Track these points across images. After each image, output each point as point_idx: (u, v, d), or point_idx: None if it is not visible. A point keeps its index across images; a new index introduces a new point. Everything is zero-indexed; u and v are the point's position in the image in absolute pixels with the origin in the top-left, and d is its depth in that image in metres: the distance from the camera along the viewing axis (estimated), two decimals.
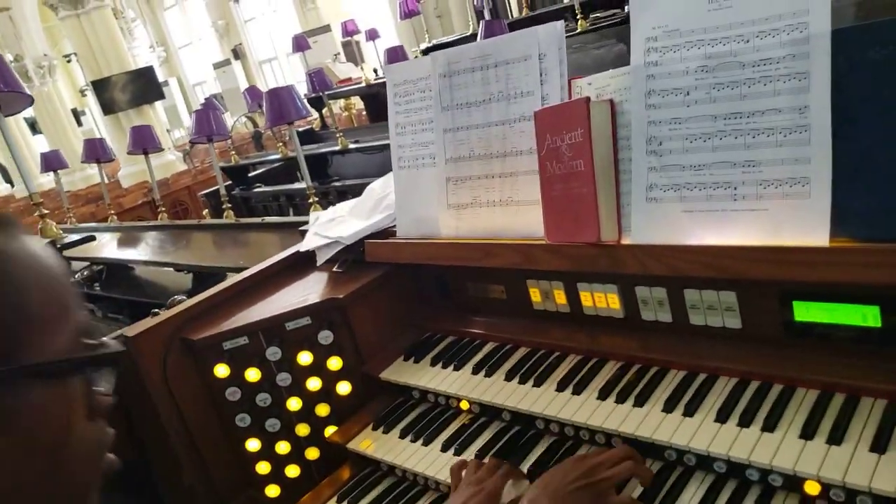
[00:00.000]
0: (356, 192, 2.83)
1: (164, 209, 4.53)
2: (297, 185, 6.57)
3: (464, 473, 1.37)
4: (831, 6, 1.04)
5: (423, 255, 1.71)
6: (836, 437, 1.10)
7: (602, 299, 1.52)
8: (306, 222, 2.61)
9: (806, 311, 1.22)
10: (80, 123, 20.18)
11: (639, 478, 1.22)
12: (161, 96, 13.75)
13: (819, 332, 1.22)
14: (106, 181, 5.41)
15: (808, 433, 1.12)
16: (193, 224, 4.55)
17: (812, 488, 1.10)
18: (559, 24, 1.47)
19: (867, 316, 1.14)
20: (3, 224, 0.64)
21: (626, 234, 1.31)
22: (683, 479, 1.24)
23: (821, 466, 1.07)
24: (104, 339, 0.70)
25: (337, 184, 5.92)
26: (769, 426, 1.17)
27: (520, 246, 1.49)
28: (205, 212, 6.58)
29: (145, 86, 12.99)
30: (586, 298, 1.55)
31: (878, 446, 1.05)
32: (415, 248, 1.72)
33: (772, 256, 1.09)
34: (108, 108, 12.58)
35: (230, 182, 6.82)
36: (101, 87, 12.50)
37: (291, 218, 4.15)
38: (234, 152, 7.11)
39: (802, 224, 1.06)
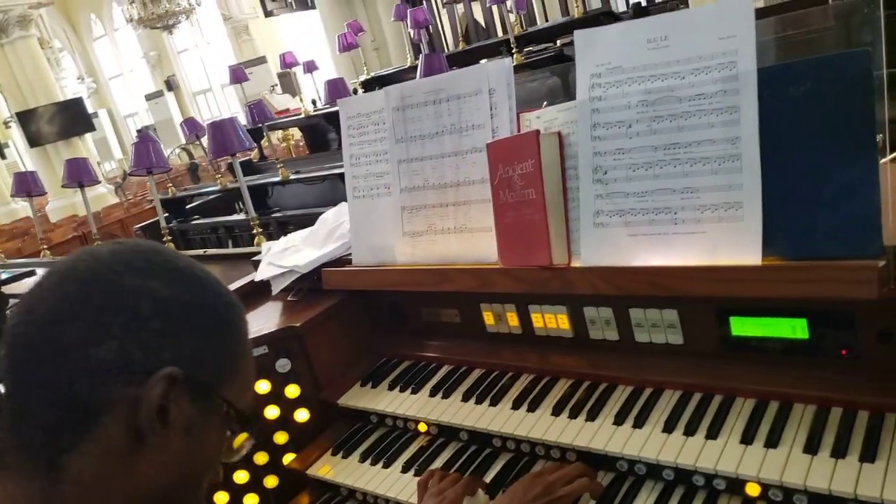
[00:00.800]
0: (297, 222, 2.86)
1: (100, 242, 4.40)
2: (235, 217, 6.49)
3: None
4: (755, 45, 1.15)
5: (381, 282, 1.76)
6: (773, 441, 1.19)
7: (552, 320, 1.60)
8: (251, 254, 2.61)
9: (741, 326, 1.32)
10: (3, 156, 19.35)
11: (592, 492, 1.29)
12: (91, 128, 13.36)
13: (753, 345, 1.32)
14: (32, 216, 5.23)
15: (747, 438, 1.22)
16: None
17: (753, 490, 1.18)
18: (507, 62, 1.56)
19: (796, 328, 1.25)
20: (242, 309, 0.88)
21: (575, 257, 1.40)
22: (635, 488, 1.31)
23: (760, 468, 1.16)
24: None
25: (277, 214, 5.88)
26: (712, 434, 1.26)
27: (475, 270, 1.55)
28: None
29: (74, 117, 12.60)
30: (537, 320, 1.62)
31: (811, 448, 1.15)
32: (373, 275, 1.77)
33: (710, 275, 1.19)
34: (34, 140, 12.13)
35: (167, 214, 6.68)
36: (26, 119, 12.06)
37: (234, 250, 4.12)
38: (170, 185, 6.98)
39: (737, 245, 1.16)
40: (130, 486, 0.76)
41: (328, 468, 1.69)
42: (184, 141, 10.15)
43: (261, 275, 2.02)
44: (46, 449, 0.73)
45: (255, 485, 1.79)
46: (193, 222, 6.65)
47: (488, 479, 1.46)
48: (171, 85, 20.42)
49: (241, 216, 6.38)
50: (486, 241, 1.56)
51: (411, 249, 1.72)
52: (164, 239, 4.03)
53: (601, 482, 1.32)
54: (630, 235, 1.29)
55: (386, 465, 1.62)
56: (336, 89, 6.37)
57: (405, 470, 1.58)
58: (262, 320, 1.90)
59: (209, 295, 0.83)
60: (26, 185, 4.72)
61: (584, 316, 1.53)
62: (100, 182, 5.36)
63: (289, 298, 1.99)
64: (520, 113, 1.52)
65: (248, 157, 7.91)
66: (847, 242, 1.05)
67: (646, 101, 1.26)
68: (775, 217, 1.13)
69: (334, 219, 2.07)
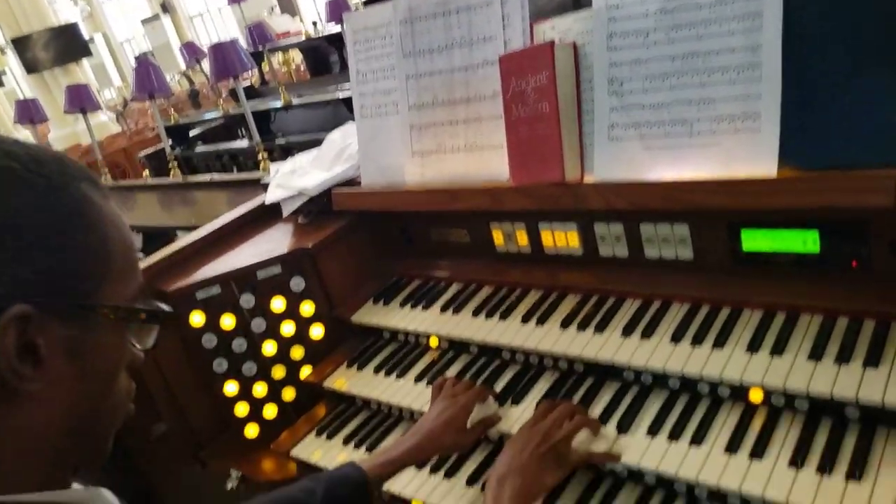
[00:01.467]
0: (300, 148, 2.83)
1: (106, 170, 4.40)
2: (239, 144, 6.44)
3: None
4: None
5: (390, 203, 1.76)
6: (778, 350, 1.22)
7: (562, 238, 1.61)
8: (257, 179, 2.61)
9: (752, 240, 1.33)
10: (1, 84, 19.05)
11: (589, 428, 1.30)
12: (87, 53, 13.05)
13: (764, 258, 1.33)
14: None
15: (753, 347, 1.25)
16: (138, 184, 4.45)
17: (756, 396, 1.22)
18: None
19: (808, 241, 1.26)
20: (99, 185, 0.74)
21: (588, 172, 1.40)
22: (641, 397, 1.36)
23: (764, 375, 1.19)
24: (155, 301, 0.81)
25: (281, 140, 5.83)
26: (719, 343, 1.29)
27: (486, 189, 1.55)
28: (145, 173, 6.39)
29: (69, 43, 12.29)
30: (547, 238, 1.64)
31: (815, 355, 1.18)
32: (383, 196, 1.77)
33: (725, 188, 1.19)
34: (31, 67, 11.89)
35: (171, 142, 6.63)
36: (21, 46, 11.78)
37: (240, 175, 4.10)
38: (172, 111, 6.90)
39: (752, 156, 1.16)
40: (27, 437, 0.67)
41: (343, 381, 1.74)
42: (183, 67, 9.96)
43: (270, 198, 2.02)
44: None
45: (273, 397, 1.85)
46: (197, 150, 6.61)
47: (497, 389, 1.51)
48: (166, 7, 19.83)
49: (245, 142, 6.33)
50: (498, 158, 1.55)
51: (421, 169, 1.72)
52: (170, 166, 4.02)
53: (599, 422, 1.32)
54: (645, 149, 1.29)
55: (399, 377, 1.67)
56: (338, 8, 6.20)
57: (417, 381, 1.63)
58: (275, 241, 1.92)
59: (27, 193, 0.66)
60: (29, 113, 4.68)
61: (595, 233, 1.54)
62: (101, 108, 5.29)
63: (299, 220, 2.00)
64: (533, 23, 1.49)
65: (248, 83, 7.78)
66: (866, 151, 1.05)
67: (664, 9, 1.23)
68: (792, 127, 1.12)
69: (342, 139, 2.06)
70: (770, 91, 1.12)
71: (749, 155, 1.16)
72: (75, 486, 0.76)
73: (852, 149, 1.07)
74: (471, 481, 1.41)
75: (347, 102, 4.98)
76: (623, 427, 1.29)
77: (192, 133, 6.96)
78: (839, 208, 1.11)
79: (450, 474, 1.44)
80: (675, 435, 1.23)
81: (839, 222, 1.20)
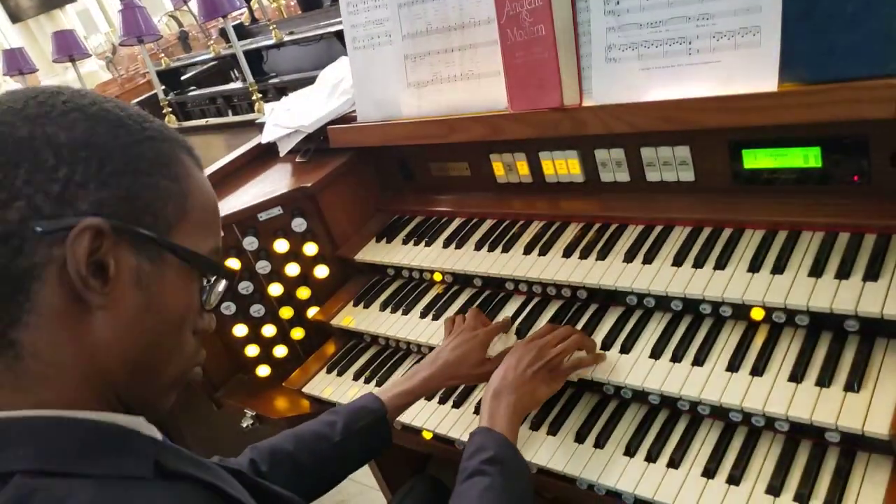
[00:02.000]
0: (295, 87, 2.79)
1: None
2: (232, 86, 6.34)
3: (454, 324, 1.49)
4: None
5: (388, 137, 1.74)
6: (779, 268, 1.23)
7: (563, 166, 1.60)
8: (253, 121, 2.57)
9: (754, 159, 1.32)
10: None
11: (584, 347, 1.33)
12: None
13: (765, 177, 1.33)
14: None
15: (755, 267, 1.25)
16: None
17: (757, 314, 1.24)
18: None
19: (809, 157, 1.25)
20: (194, 155, 0.80)
21: (587, 96, 1.37)
22: (644, 320, 1.38)
23: (765, 293, 1.20)
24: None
25: (275, 80, 5.74)
26: (720, 264, 1.29)
27: (484, 118, 1.53)
28: None
29: None
30: (548, 167, 1.63)
31: (816, 271, 1.19)
32: (379, 130, 1.75)
33: (725, 105, 1.17)
34: (15, 16, 11.65)
35: (163, 87, 6.53)
36: None
37: (236, 118, 4.04)
38: (162, 55, 6.76)
39: (752, 72, 1.14)
40: (90, 353, 0.71)
41: (350, 318, 1.77)
42: (171, 7, 9.69)
43: (266, 137, 2.00)
44: None
45: (283, 337, 1.88)
46: (191, 94, 6.52)
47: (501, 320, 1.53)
48: None
49: (239, 84, 6.23)
50: (495, 86, 1.53)
51: (417, 101, 1.69)
52: (164, 111, 3.96)
53: (594, 341, 1.36)
54: (643, 69, 1.26)
55: (405, 313, 1.69)
56: None
57: (423, 315, 1.66)
58: (274, 182, 1.91)
59: (124, 133, 0.72)
60: (17, 63, 4.58)
61: (595, 159, 1.53)
62: (90, 55, 5.18)
63: (297, 160, 1.99)
64: None
65: (238, 21, 7.59)
66: (867, 61, 1.03)
67: None
68: (793, 40, 1.09)
69: (335, 74, 2.03)
70: (770, 3, 1.09)
71: (749, 71, 1.14)
72: None
73: (853, 61, 1.04)
74: (478, 411, 1.44)
75: (341, 36, 4.86)
76: (626, 349, 1.32)
77: (185, 77, 6.85)
78: (841, 122, 1.09)
79: (458, 405, 1.48)
80: (677, 356, 1.26)
81: (841, 137, 1.19)
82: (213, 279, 0.80)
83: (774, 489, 1.07)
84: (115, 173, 0.70)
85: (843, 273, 1.16)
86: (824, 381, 1.10)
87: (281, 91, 5.11)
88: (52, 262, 0.67)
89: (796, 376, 1.12)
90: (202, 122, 4.00)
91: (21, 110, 0.69)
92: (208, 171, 2.02)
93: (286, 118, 1.98)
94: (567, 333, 1.33)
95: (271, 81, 5.70)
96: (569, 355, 1.31)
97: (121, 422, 0.73)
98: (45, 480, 0.64)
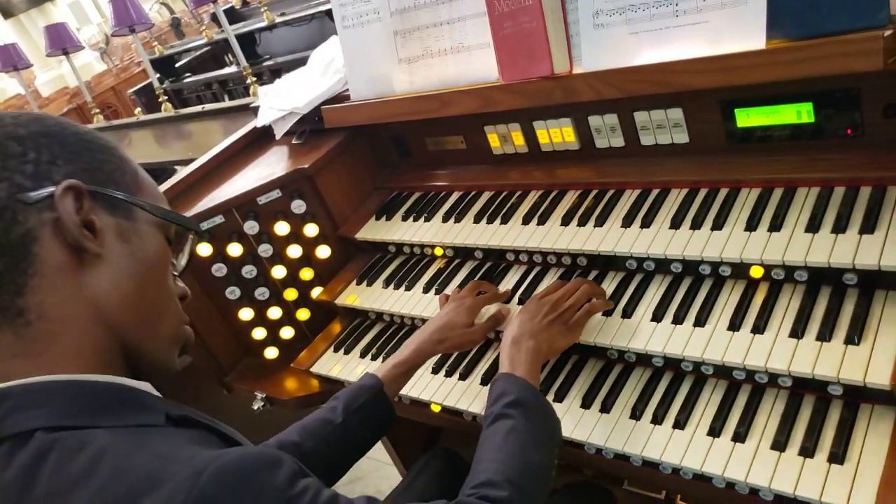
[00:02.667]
0: (289, 68, 2.78)
1: (98, 111, 4.34)
2: (227, 70, 6.31)
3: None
4: None
5: (381, 114, 1.74)
6: (776, 225, 1.23)
7: (558, 134, 1.60)
8: (247, 105, 2.57)
9: (746, 118, 1.32)
10: None
11: (595, 295, 1.35)
12: None
13: (759, 135, 1.32)
14: (24, 92, 5.11)
15: (752, 225, 1.26)
16: (132, 122, 4.39)
17: (756, 272, 1.24)
18: None
19: (801, 113, 1.24)
20: (126, 159, 0.87)
21: (577, 63, 1.37)
22: (644, 283, 1.38)
23: (763, 251, 1.21)
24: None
25: (269, 62, 5.71)
26: (718, 225, 1.30)
27: (476, 90, 1.53)
28: (137, 110, 6.32)
29: None
30: (543, 136, 1.62)
31: (813, 227, 1.19)
32: (372, 108, 1.75)
33: (714, 65, 1.16)
34: (6, 12, 11.57)
35: (158, 75, 6.50)
36: None
37: (232, 103, 4.03)
38: (156, 43, 6.72)
39: (740, 31, 1.13)
40: (93, 304, 0.77)
41: (354, 297, 1.78)
42: None
43: (261, 120, 2.00)
44: None
45: (288, 319, 1.90)
46: (186, 80, 6.49)
47: (503, 290, 1.54)
48: None
49: (233, 69, 6.20)
50: (485, 58, 1.52)
51: (408, 77, 1.69)
52: (161, 100, 3.96)
53: (604, 289, 1.38)
54: (631, 34, 1.25)
55: (408, 289, 1.71)
56: None
57: (426, 290, 1.67)
58: (271, 165, 1.92)
59: (71, 128, 0.83)
60: (11, 59, 4.57)
61: (590, 125, 1.53)
62: (84, 47, 5.16)
63: (293, 142, 1.99)
64: None
65: (230, 5, 7.52)
66: (853, 14, 1.02)
67: None
68: None
69: (327, 54, 2.02)
70: None
71: (736, 30, 1.13)
72: None
73: (840, 14, 1.03)
74: (484, 381, 1.46)
75: (331, 15, 4.82)
76: (628, 314, 1.33)
77: (179, 64, 6.81)
78: (831, 76, 1.09)
79: (464, 377, 1.50)
80: (679, 317, 1.27)
81: (832, 91, 1.18)
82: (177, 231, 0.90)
83: (779, 444, 1.08)
84: (76, 152, 0.80)
85: (840, 227, 1.16)
86: (825, 335, 1.10)
87: (276, 73, 5.09)
88: (45, 224, 0.75)
89: (797, 332, 1.13)
90: (198, 108, 3.99)
91: None
92: (204, 157, 2.03)
93: (280, 100, 1.97)
94: (576, 286, 1.35)
95: (265, 64, 5.67)
96: (580, 306, 1.32)
97: (131, 384, 0.79)
98: (64, 433, 0.70)
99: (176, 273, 0.91)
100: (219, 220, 1.77)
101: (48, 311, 0.75)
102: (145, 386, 0.81)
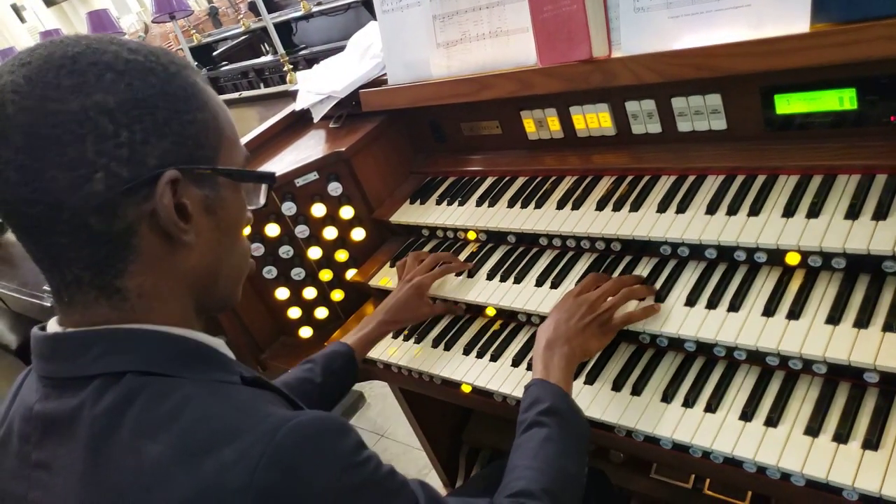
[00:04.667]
0: (325, 58, 2.81)
1: None
2: (263, 59, 6.39)
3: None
4: None
5: (419, 98, 1.76)
6: (814, 212, 1.22)
7: (594, 120, 1.60)
8: (285, 92, 2.60)
9: (787, 104, 1.30)
10: (22, 20, 18.94)
11: (635, 296, 1.34)
12: None
13: (798, 122, 1.31)
14: None
15: (789, 212, 1.25)
16: None
17: (793, 259, 1.24)
18: None
19: (844, 99, 1.23)
20: (198, 72, 0.86)
21: (616, 47, 1.37)
22: (678, 269, 1.38)
23: (800, 238, 1.20)
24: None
25: (304, 52, 5.76)
26: (755, 211, 1.29)
27: (514, 73, 1.54)
28: None
29: None
30: (579, 121, 1.63)
31: (852, 214, 1.18)
32: (410, 91, 1.77)
33: (756, 49, 1.16)
34: (48, 0, 11.84)
35: (196, 63, 6.61)
36: None
37: (269, 90, 4.09)
38: (194, 32, 6.83)
39: (784, 14, 1.12)
40: (187, 277, 0.83)
41: (387, 279, 1.81)
42: None
43: (300, 104, 2.04)
44: (98, 279, 0.77)
45: (323, 299, 1.94)
46: (223, 69, 6.59)
47: (536, 274, 1.55)
48: None
49: (269, 57, 6.28)
50: (524, 42, 1.53)
51: (446, 61, 1.70)
52: None
53: (648, 286, 1.36)
54: (671, 17, 1.25)
55: None
56: None
57: (458, 273, 1.68)
58: (309, 148, 1.95)
59: (154, 78, 0.77)
60: None
61: (626, 111, 1.53)
62: (125, 34, 5.25)
63: (331, 125, 2.02)
64: None
65: None
66: None
67: None
68: None
69: (365, 39, 2.04)
70: None
71: (780, 13, 1.12)
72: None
73: None
74: (515, 363, 1.47)
75: (368, 4, 4.85)
76: (661, 298, 1.33)
77: (216, 52, 6.92)
78: (876, 61, 1.07)
79: (495, 358, 1.51)
80: (713, 303, 1.27)
81: (877, 77, 1.17)
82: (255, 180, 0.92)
83: (813, 430, 1.08)
84: (165, 122, 0.77)
85: (881, 214, 1.15)
86: (862, 322, 1.10)
87: (311, 62, 5.14)
88: (143, 217, 0.77)
89: (834, 318, 1.13)
90: (235, 95, 4.05)
91: (59, 86, 0.72)
92: (245, 139, 2.07)
93: (319, 84, 2.00)
94: (616, 287, 1.34)
95: (301, 53, 5.73)
96: (619, 310, 1.32)
97: (208, 341, 0.84)
98: (151, 378, 0.75)
99: (250, 214, 0.93)
100: None
101: (146, 291, 0.79)
102: (219, 343, 0.86)
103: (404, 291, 1.63)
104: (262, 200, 0.94)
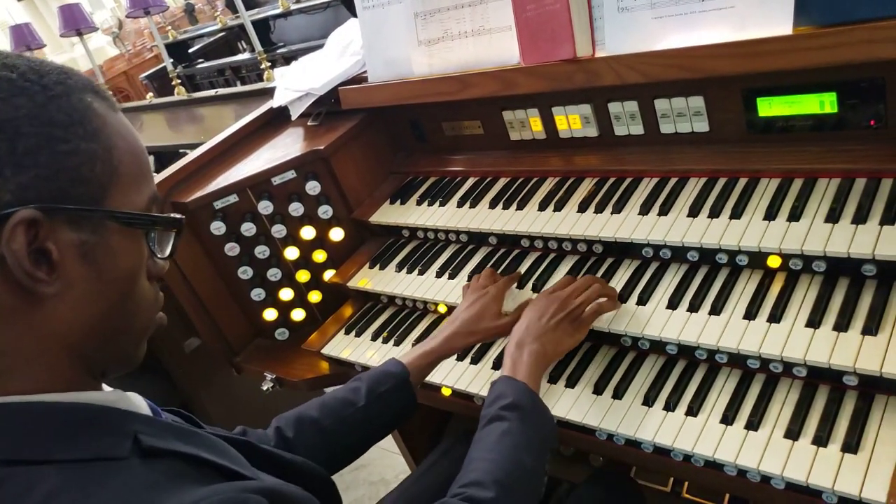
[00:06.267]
0: (303, 56, 2.79)
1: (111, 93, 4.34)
2: (241, 56, 6.31)
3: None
4: None
5: (399, 96, 1.73)
6: (795, 215, 1.22)
7: (577, 121, 1.59)
8: (263, 90, 2.57)
9: (768, 107, 1.31)
10: None
11: (606, 296, 1.33)
12: None
13: (780, 125, 1.31)
14: None
15: (771, 215, 1.25)
16: (143, 105, 4.40)
17: (774, 262, 1.24)
18: None
19: (824, 103, 1.23)
20: (105, 96, 0.74)
21: (600, 47, 1.36)
22: (660, 271, 1.38)
23: (782, 241, 1.20)
24: (169, 214, 0.80)
25: (282, 50, 5.70)
26: (736, 214, 1.29)
27: (496, 72, 1.52)
28: (149, 94, 6.32)
29: None
30: (561, 122, 1.62)
31: (833, 217, 1.18)
32: (391, 89, 1.74)
33: (739, 50, 1.16)
34: None
35: (171, 60, 6.51)
36: None
37: (245, 87, 4.04)
38: (170, 28, 6.72)
39: (767, 16, 1.12)
40: (55, 336, 0.69)
41: (366, 280, 1.78)
42: None
43: (278, 101, 2.00)
44: None
45: (300, 301, 1.90)
46: (199, 66, 6.50)
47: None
48: None
49: (246, 55, 6.20)
50: (507, 41, 1.51)
51: (428, 59, 1.68)
52: (174, 84, 3.96)
53: (614, 288, 1.36)
54: (656, 18, 1.25)
55: (421, 273, 1.70)
56: None
57: (439, 275, 1.67)
58: (287, 146, 1.92)
59: (25, 100, 0.66)
60: (24, 39, 4.58)
61: (609, 112, 1.52)
62: (97, 29, 5.18)
63: (309, 123, 1.99)
64: None
65: None
66: (882, 1, 1.01)
67: None
68: None
69: (345, 36, 2.01)
70: None
71: (763, 15, 1.12)
72: (106, 388, 0.78)
73: (869, 1, 1.02)
74: (496, 366, 1.46)
75: (348, 2, 4.81)
76: (643, 301, 1.33)
77: (192, 49, 6.82)
78: (856, 65, 1.08)
79: (476, 361, 1.49)
80: (694, 305, 1.26)
81: (857, 81, 1.18)
82: (158, 231, 0.78)
83: (793, 433, 1.08)
84: (30, 151, 0.65)
85: (860, 218, 1.15)
86: (842, 325, 1.10)
87: (289, 61, 5.08)
88: None
89: (814, 322, 1.13)
90: (212, 92, 3.99)
91: None
92: (220, 137, 2.03)
93: (297, 81, 1.97)
94: (587, 283, 1.34)
95: (279, 51, 5.67)
96: (590, 305, 1.31)
97: (97, 400, 0.72)
98: (14, 469, 0.63)
99: (162, 262, 0.81)
100: (233, 199, 1.77)
101: (3, 349, 0.67)
102: (118, 399, 0.74)
103: (481, 300, 1.39)
104: (168, 250, 0.80)
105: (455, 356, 1.51)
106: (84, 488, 0.63)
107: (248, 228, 1.78)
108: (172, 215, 0.79)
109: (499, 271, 1.57)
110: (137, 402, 0.78)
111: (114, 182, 0.71)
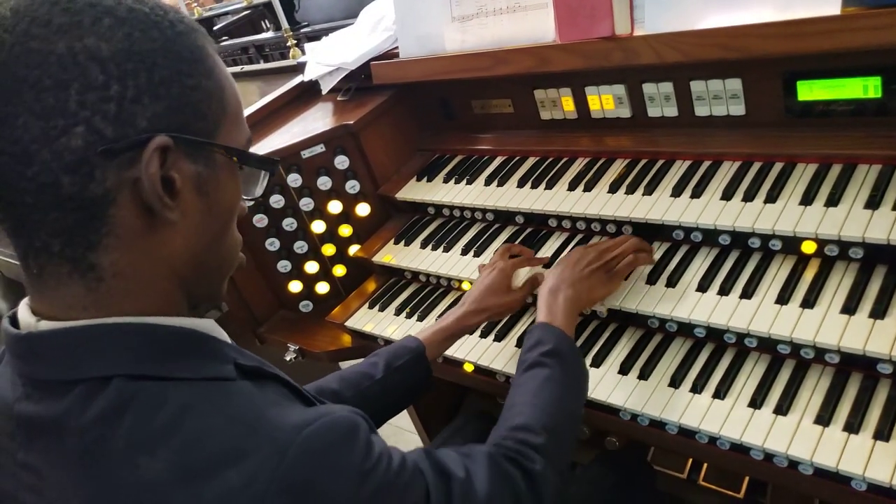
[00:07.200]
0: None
1: None
2: (265, 35, 6.31)
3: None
4: None
5: (432, 71, 1.72)
6: (833, 200, 1.20)
7: (609, 101, 1.57)
8: (288, 68, 2.56)
9: (809, 91, 1.28)
10: None
11: (642, 253, 1.35)
12: None
13: (820, 109, 1.29)
14: None
15: (807, 200, 1.23)
16: None
17: (808, 247, 1.22)
18: None
19: (868, 87, 1.21)
20: (210, 39, 0.78)
21: (638, 25, 1.34)
22: (690, 254, 1.37)
23: (818, 226, 1.18)
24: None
25: (306, 29, 5.69)
26: (772, 198, 1.27)
27: (532, 49, 1.51)
28: None
29: None
30: (594, 102, 1.60)
31: (873, 203, 1.16)
32: (423, 65, 1.73)
33: (785, 30, 1.13)
34: None
35: None
36: None
37: (272, 64, 4.03)
38: (195, 5, 6.74)
39: None
40: (167, 261, 0.74)
41: (391, 256, 1.79)
42: None
43: (309, 74, 2.00)
44: (69, 250, 0.69)
45: (325, 274, 1.91)
46: (223, 44, 6.50)
47: (544, 255, 1.53)
48: None
49: (270, 34, 6.20)
50: (542, 18, 1.50)
51: (461, 35, 1.67)
52: None
53: (650, 248, 1.38)
54: None
55: (446, 250, 1.70)
56: None
57: (464, 253, 1.66)
58: (316, 120, 1.92)
59: (158, 33, 0.69)
60: None
61: (643, 93, 1.50)
62: None
63: (339, 98, 1.99)
64: None
65: None
66: None
67: None
68: None
69: (377, 12, 2.01)
70: None
71: None
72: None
73: None
74: (520, 344, 1.45)
75: None
76: (672, 283, 1.32)
77: (217, 27, 6.82)
78: None
79: (500, 338, 1.49)
80: (725, 289, 1.25)
81: None
82: (256, 165, 0.82)
83: (823, 419, 1.07)
84: (164, 82, 0.69)
85: None
86: (878, 312, 1.08)
87: (312, 40, 5.06)
88: (125, 185, 0.68)
89: (850, 308, 1.11)
90: (237, 69, 3.99)
91: (49, 22, 0.64)
92: (249, 110, 2.03)
93: (328, 56, 1.97)
94: (624, 238, 1.36)
95: (303, 30, 5.66)
96: (626, 258, 1.33)
97: (199, 327, 0.76)
98: (143, 384, 0.68)
99: (246, 204, 0.85)
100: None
101: (122, 271, 0.71)
102: (211, 326, 0.79)
103: (489, 276, 1.41)
104: (260, 191, 0.85)
105: (479, 333, 1.51)
106: (214, 402, 0.69)
107: (276, 200, 1.78)
108: (271, 156, 0.82)
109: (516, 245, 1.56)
110: (221, 330, 0.82)
111: (223, 120, 0.75)
